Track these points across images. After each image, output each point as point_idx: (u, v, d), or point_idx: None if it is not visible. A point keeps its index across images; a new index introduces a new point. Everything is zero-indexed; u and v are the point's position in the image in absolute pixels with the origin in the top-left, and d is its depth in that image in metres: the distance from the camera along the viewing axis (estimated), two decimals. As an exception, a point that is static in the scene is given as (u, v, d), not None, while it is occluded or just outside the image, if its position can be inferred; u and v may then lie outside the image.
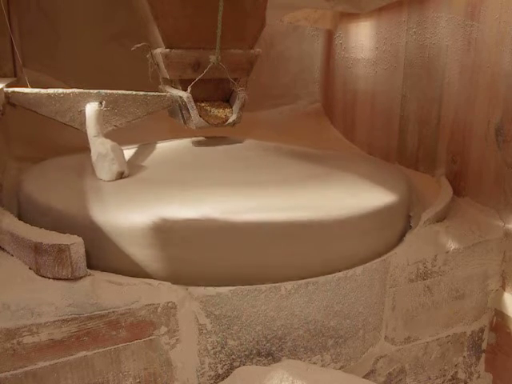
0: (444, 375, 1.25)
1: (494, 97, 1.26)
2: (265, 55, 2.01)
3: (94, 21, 1.78)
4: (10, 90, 1.20)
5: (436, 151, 1.50)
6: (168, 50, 1.27)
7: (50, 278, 0.86)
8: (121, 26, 1.79)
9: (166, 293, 0.89)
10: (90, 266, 0.89)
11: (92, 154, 1.16)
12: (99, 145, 1.15)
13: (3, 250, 0.94)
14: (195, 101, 1.30)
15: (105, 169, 1.13)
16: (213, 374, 0.95)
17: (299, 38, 2.17)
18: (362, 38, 1.83)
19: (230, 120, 1.36)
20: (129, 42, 1.32)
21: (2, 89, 1.19)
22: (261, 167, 1.25)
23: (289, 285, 0.95)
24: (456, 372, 1.26)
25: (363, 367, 1.10)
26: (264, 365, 0.96)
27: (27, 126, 1.53)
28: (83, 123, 1.22)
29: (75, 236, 0.87)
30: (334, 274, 0.99)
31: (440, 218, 1.22)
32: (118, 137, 1.22)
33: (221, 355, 0.94)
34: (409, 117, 1.61)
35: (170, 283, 0.91)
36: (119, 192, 1.06)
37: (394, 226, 1.14)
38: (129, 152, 1.32)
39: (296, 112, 2.18)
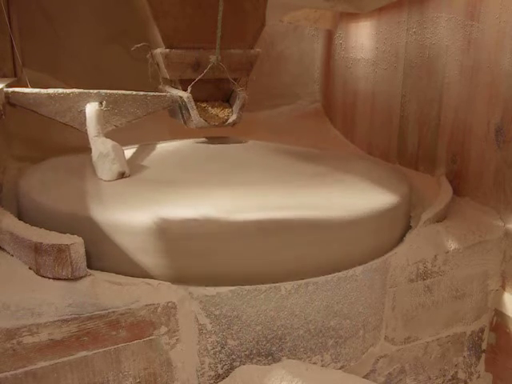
0: (444, 375, 1.25)
1: (493, 97, 1.26)
2: (265, 55, 2.01)
3: (94, 21, 1.78)
4: (10, 90, 1.20)
5: (436, 151, 1.50)
6: (168, 50, 1.27)
7: (50, 278, 0.86)
8: (121, 26, 1.79)
9: (165, 293, 0.89)
10: (90, 266, 0.89)
11: (93, 153, 1.16)
12: (100, 144, 1.15)
13: (3, 250, 0.94)
14: (195, 101, 1.30)
15: (105, 168, 1.12)
16: (213, 373, 0.95)
17: (299, 38, 2.17)
18: (362, 38, 1.83)
19: (230, 120, 1.36)
20: (129, 41, 1.32)
21: (2, 89, 1.18)
22: (261, 167, 1.25)
23: (289, 285, 0.95)
24: (456, 372, 1.26)
25: (363, 367, 1.10)
26: (264, 365, 0.96)
27: (27, 126, 1.53)
28: (83, 123, 1.22)
29: (75, 236, 0.87)
30: (334, 274, 0.99)
31: (440, 218, 1.22)
32: (118, 137, 1.22)
33: (221, 355, 0.94)
34: (409, 117, 1.61)
35: (169, 283, 0.91)
36: (119, 192, 1.06)
37: (394, 226, 1.14)
38: (129, 152, 1.32)
39: (296, 112, 2.18)
